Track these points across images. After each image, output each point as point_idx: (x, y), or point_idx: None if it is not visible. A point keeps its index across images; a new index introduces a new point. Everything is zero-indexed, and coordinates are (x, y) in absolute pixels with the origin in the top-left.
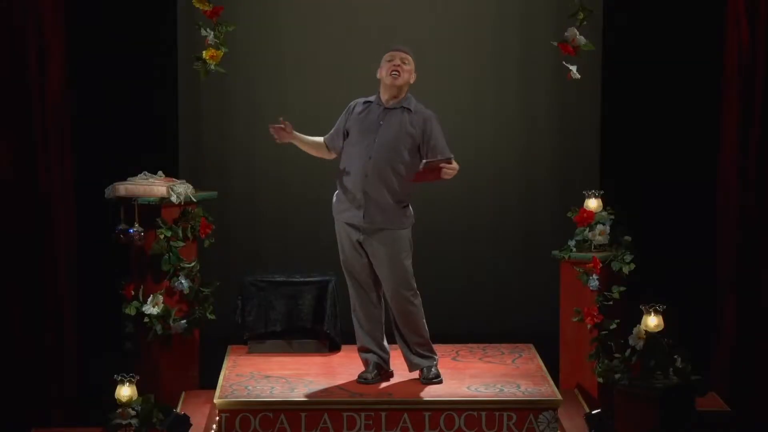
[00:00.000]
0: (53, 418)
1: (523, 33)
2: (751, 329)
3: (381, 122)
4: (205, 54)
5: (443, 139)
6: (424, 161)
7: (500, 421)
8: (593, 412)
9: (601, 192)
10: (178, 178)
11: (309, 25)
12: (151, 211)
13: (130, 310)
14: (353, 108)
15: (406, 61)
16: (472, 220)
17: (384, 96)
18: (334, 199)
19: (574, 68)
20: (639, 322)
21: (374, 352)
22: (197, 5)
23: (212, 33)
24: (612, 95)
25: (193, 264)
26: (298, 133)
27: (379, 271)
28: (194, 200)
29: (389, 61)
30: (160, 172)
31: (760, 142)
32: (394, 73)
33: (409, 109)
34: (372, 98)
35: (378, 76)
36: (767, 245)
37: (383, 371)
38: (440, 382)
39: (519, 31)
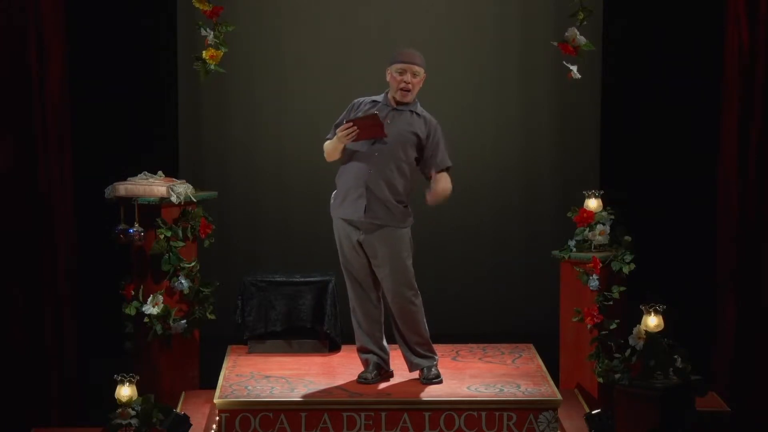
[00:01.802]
0: (53, 418)
1: (523, 33)
2: (751, 329)
3: (388, 121)
4: (205, 54)
5: (445, 150)
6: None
7: (500, 421)
8: (593, 412)
9: (601, 192)
10: (178, 178)
11: (309, 24)
12: (151, 211)
13: (130, 310)
14: (359, 105)
15: (417, 74)
16: (472, 220)
17: (391, 96)
18: (332, 198)
19: (574, 68)
20: (639, 322)
21: (374, 353)
22: (197, 5)
23: (212, 33)
24: (612, 95)
25: (193, 264)
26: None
27: (380, 271)
28: (194, 200)
29: (400, 74)
30: (160, 172)
31: (760, 143)
32: (404, 88)
33: (417, 113)
34: (379, 98)
35: (388, 79)
36: (767, 245)
37: (383, 371)
38: (440, 382)
39: (519, 31)
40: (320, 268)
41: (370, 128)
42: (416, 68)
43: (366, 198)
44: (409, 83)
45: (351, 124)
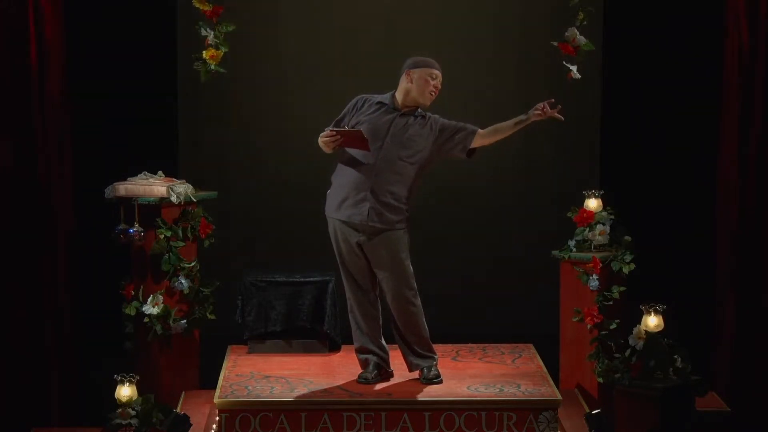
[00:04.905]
0: (53, 418)
1: (523, 33)
2: (751, 329)
3: (394, 124)
4: (205, 54)
5: (454, 122)
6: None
7: (500, 421)
8: (593, 412)
9: (601, 192)
10: (178, 178)
11: (309, 24)
12: (151, 211)
13: (130, 310)
14: (363, 105)
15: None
16: (472, 220)
17: (400, 99)
18: (328, 197)
19: (574, 68)
20: (639, 322)
21: (374, 352)
22: (197, 5)
23: (212, 33)
24: (612, 95)
25: (193, 264)
26: None
27: (380, 272)
28: (194, 200)
29: (433, 79)
30: (160, 172)
31: (760, 143)
32: (433, 93)
33: (422, 116)
34: (385, 99)
35: (408, 82)
36: (767, 245)
37: (383, 371)
38: (440, 382)
39: (519, 31)
40: (320, 268)
41: (354, 140)
42: (441, 77)
43: (369, 202)
44: (438, 88)
45: (335, 133)
